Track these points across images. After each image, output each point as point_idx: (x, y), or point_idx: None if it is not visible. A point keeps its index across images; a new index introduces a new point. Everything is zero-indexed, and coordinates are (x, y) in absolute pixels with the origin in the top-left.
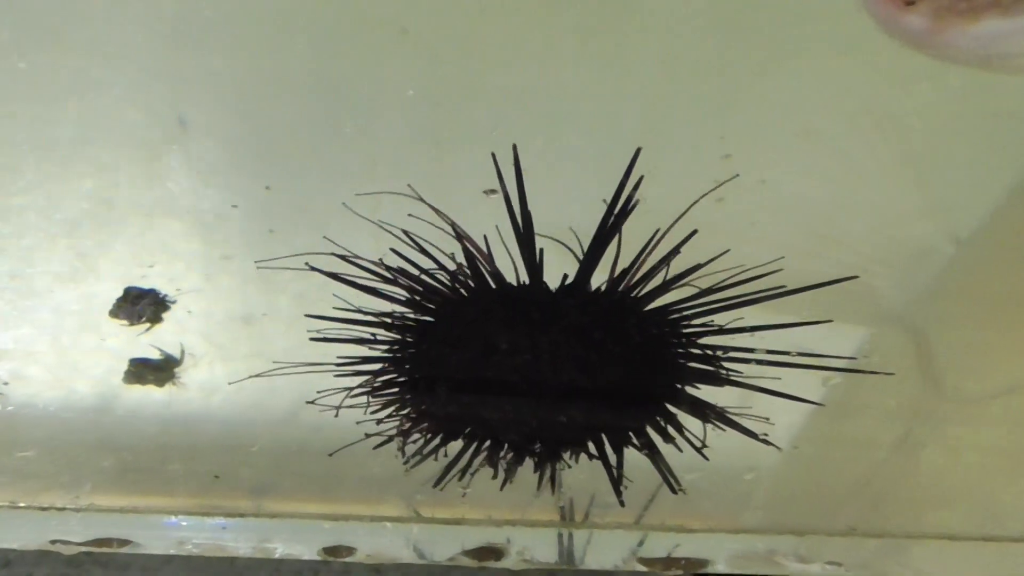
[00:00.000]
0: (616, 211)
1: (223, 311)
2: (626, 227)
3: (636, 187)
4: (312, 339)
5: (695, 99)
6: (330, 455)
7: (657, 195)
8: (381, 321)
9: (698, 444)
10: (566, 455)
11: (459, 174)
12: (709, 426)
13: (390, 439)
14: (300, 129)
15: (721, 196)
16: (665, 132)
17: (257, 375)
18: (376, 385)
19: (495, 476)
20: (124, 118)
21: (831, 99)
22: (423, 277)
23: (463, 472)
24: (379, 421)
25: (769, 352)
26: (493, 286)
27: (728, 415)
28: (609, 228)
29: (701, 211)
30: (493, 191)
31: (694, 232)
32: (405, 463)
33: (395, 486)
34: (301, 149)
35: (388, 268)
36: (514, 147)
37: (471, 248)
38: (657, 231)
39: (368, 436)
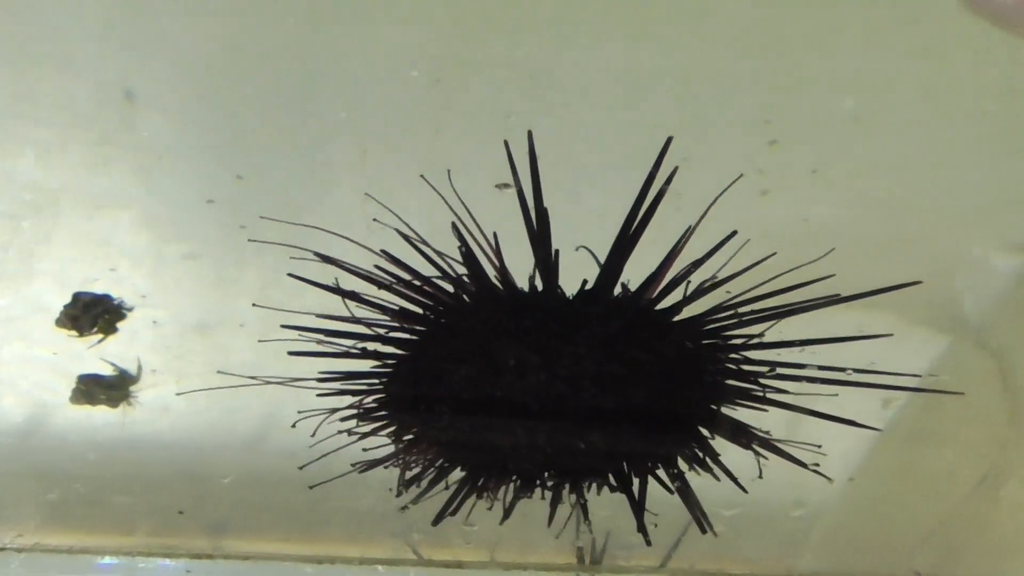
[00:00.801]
0: (644, 207)
1: (186, 320)
2: (655, 225)
3: (668, 180)
4: (291, 353)
5: (735, 77)
6: (311, 488)
7: (692, 187)
8: (372, 332)
9: (737, 474)
10: (584, 487)
11: (464, 165)
12: (751, 455)
13: (380, 463)
14: (277, 110)
15: (766, 188)
16: (701, 115)
17: (223, 387)
18: (366, 406)
19: (490, 505)
20: (67, 92)
21: (892, 77)
22: (421, 282)
23: (468, 507)
24: (363, 442)
25: (821, 368)
26: (502, 292)
27: (772, 441)
28: (636, 226)
29: (743, 205)
30: (506, 185)
31: (733, 234)
32: (399, 496)
33: (388, 523)
34: (279, 133)
35: (380, 271)
36: (529, 134)
37: (477, 248)
38: (689, 228)
39: (355, 466)
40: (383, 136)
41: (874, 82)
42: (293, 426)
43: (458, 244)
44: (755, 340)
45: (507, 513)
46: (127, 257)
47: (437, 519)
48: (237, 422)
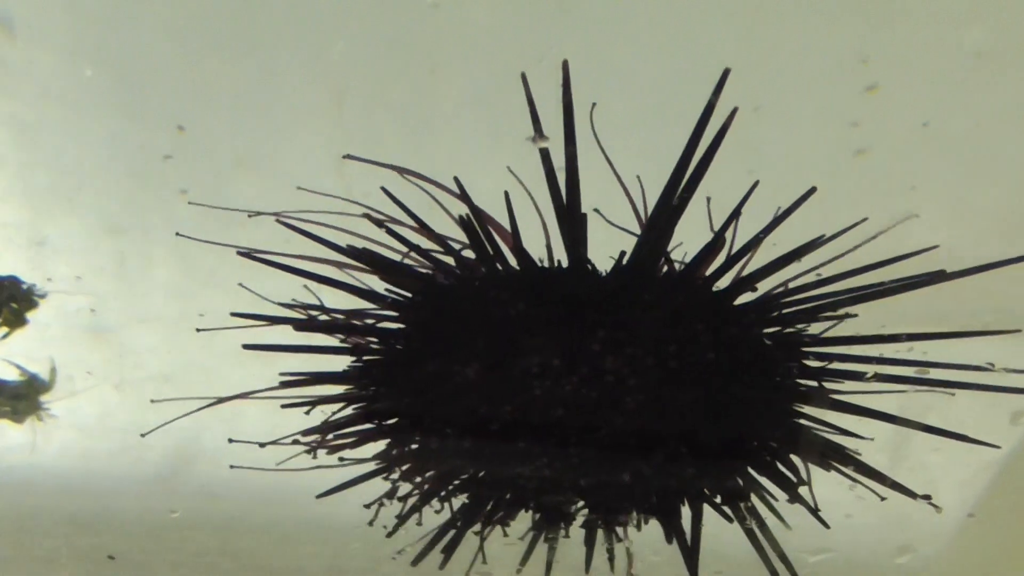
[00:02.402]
0: (696, 159)
1: (116, 311)
2: (722, 190)
3: (727, 124)
4: (247, 347)
5: (822, 2)
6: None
7: (767, 143)
8: (348, 323)
9: (821, 510)
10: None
11: (464, 113)
12: (840, 485)
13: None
14: (226, 43)
15: (863, 146)
16: (777, 53)
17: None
18: (341, 422)
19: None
20: None
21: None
22: (411, 258)
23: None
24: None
25: (925, 365)
26: (516, 270)
27: (868, 465)
28: (686, 183)
29: (833, 168)
30: (542, 136)
31: (812, 191)
32: (390, 536)
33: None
34: (229, 75)
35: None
36: (564, 65)
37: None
38: (756, 184)
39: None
40: (363, 76)
41: (1004, 9)
42: (262, 446)
43: (460, 217)
44: (844, 334)
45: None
46: (34, 232)
47: (416, 560)
48: (186, 443)
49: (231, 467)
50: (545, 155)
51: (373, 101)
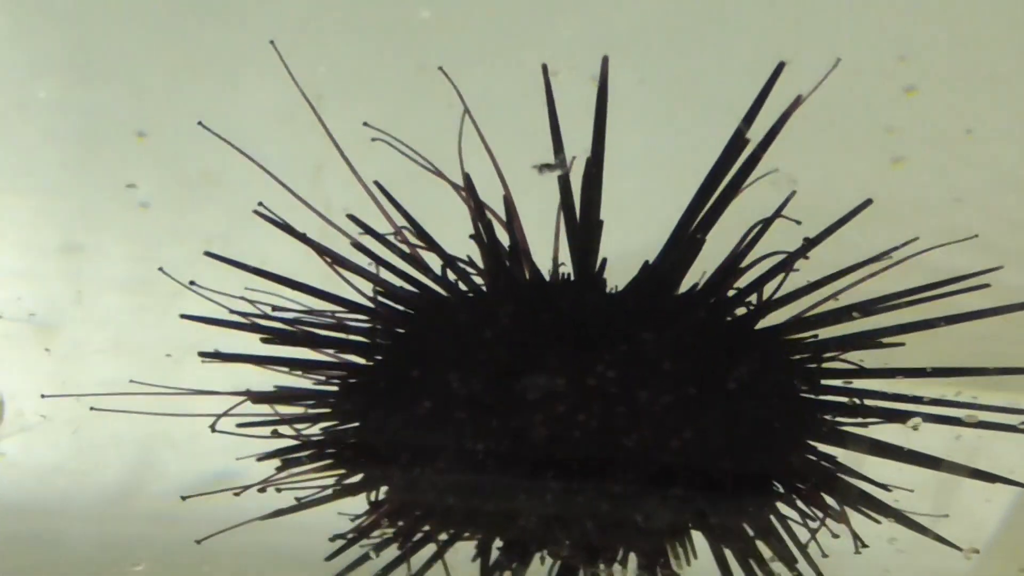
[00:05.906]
0: (737, 164)
1: (72, 334)
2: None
3: (782, 121)
4: (203, 355)
5: None
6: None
7: (793, 146)
8: (325, 336)
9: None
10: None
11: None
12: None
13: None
14: (196, 53)
15: (900, 154)
16: (808, 45)
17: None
18: (316, 452)
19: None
20: None
21: None
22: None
23: None
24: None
25: (974, 408)
26: (520, 281)
27: (908, 516)
28: (724, 190)
29: (867, 178)
30: (548, 166)
31: (867, 203)
32: None
33: None
34: (190, 49)
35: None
36: (604, 61)
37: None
38: (792, 195)
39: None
40: (346, 80)
41: None
42: (240, 494)
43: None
44: (885, 369)
45: None
46: None
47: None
48: (148, 478)
49: (183, 498)
50: (564, 181)
51: (355, 102)
